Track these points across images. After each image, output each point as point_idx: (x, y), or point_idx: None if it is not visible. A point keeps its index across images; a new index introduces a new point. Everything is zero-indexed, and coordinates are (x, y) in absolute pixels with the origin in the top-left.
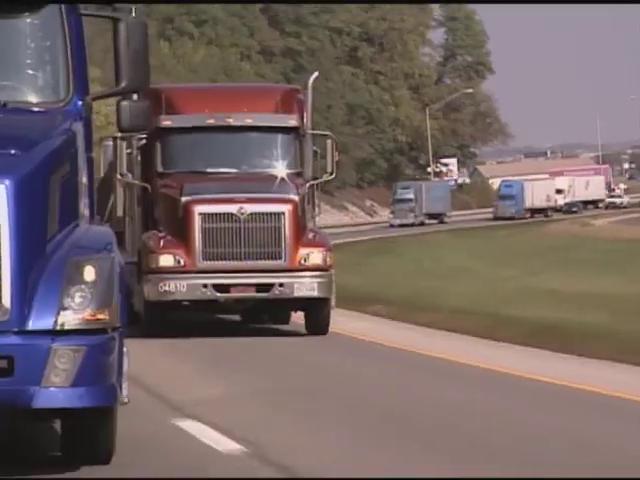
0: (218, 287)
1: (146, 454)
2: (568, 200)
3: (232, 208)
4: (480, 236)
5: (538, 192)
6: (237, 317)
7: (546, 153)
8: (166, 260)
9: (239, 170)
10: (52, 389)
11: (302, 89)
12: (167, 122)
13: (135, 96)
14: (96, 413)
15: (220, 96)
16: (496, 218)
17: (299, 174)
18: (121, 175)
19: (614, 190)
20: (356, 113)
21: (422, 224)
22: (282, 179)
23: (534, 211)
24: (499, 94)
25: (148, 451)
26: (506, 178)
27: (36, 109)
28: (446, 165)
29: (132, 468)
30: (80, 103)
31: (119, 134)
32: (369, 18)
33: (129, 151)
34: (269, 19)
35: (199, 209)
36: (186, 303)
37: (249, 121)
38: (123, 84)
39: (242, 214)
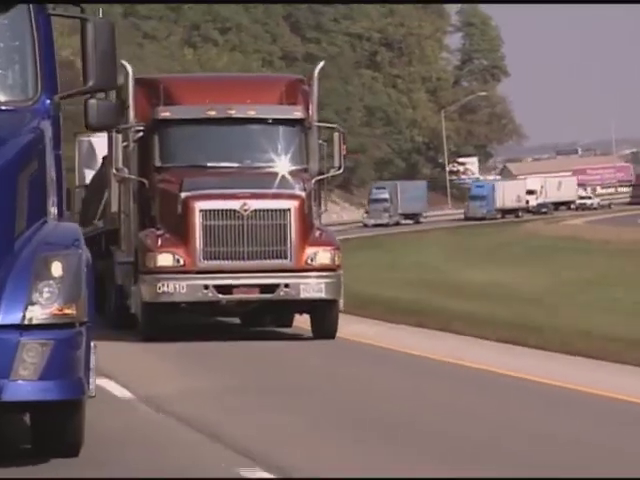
0: (220, 288)
1: (116, 448)
2: (540, 201)
3: (235, 204)
4: (460, 234)
5: (509, 193)
6: (237, 319)
7: (577, 151)
8: (165, 259)
9: (241, 164)
10: (20, 382)
11: (307, 80)
12: (165, 114)
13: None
14: (64, 406)
15: (221, 86)
16: (467, 219)
17: (305, 169)
18: (117, 170)
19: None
20: (375, 115)
21: (397, 224)
22: (287, 174)
23: (505, 211)
24: (521, 94)
25: (118, 445)
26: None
27: (4, 107)
28: (463, 164)
29: (101, 461)
30: (48, 102)
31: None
32: (388, 24)
33: (125, 144)
34: (291, 26)
35: (200, 205)
36: (185, 305)
37: (252, 113)
38: (91, 83)
39: (245, 211)
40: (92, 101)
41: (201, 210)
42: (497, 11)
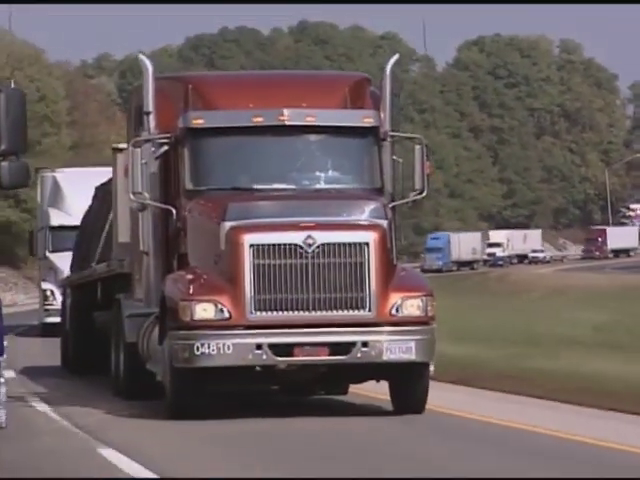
0: (277, 348)
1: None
2: (506, 253)
3: (296, 237)
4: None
5: (465, 245)
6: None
7: None
8: (204, 310)
9: (298, 186)
10: None
11: (378, 82)
12: (199, 121)
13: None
14: None
15: (269, 86)
16: (424, 271)
17: (380, 191)
18: (134, 194)
19: None
20: (552, 172)
21: None
22: (362, 197)
23: (460, 264)
24: None
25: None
26: None
27: None
28: (634, 210)
29: None
30: None
31: (122, 145)
32: (566, 99)
33: (143, 162)
34: (479, 105)
35: (250, 239)
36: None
37: (311, 119)
38: (3, 147)
39: (310, 245)
40: (4, 163)
41: (252, 245)
42: None
